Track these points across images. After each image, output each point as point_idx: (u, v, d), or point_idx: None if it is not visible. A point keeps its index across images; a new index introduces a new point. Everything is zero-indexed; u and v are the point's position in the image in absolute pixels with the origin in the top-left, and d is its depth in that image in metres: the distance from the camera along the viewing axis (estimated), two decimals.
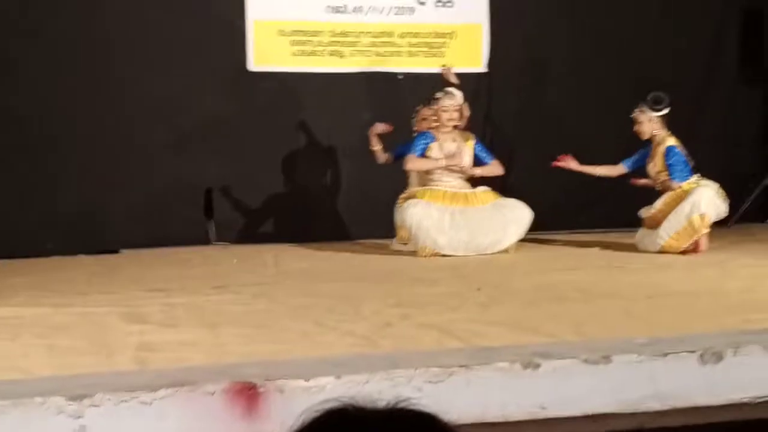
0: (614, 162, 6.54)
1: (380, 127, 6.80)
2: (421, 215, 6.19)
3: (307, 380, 2.44)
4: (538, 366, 2.59)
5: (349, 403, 1.22)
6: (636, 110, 6.20)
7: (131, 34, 7.16)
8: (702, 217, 5.91)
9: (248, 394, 2.36)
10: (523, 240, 6.48)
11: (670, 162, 6.09)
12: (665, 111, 6.16)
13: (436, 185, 6.44)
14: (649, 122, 6.17)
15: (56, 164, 7.03)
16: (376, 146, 6.83)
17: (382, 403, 1.25)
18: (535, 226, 6.54)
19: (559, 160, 6.41)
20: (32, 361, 3.15)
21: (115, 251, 6.94)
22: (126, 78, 7.14)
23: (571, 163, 6.41)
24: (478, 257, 6.13)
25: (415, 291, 4.65)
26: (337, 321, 3.81)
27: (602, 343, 2.92)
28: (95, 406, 2.26)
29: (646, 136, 6.23)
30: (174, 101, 7.25)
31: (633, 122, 6.23)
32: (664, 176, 6.12)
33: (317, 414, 1.21)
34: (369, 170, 7.43)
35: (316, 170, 7.78)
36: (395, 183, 6.86)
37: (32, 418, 2.24)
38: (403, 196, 6.61)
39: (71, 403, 2.25)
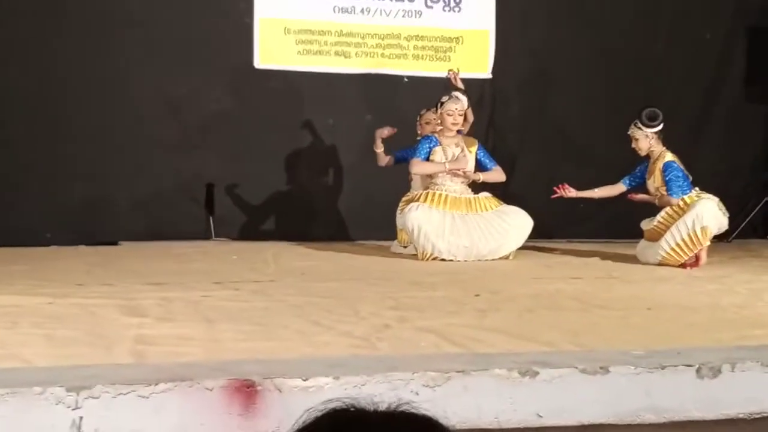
0: (616, 175, 6.53)
1: (386, 131, 6.81)
2: (422, 219, 6.20)
3: (305, 380, 2.45)
4: (535, 374, 2.60)
5: (350, 404, 1.23)
6: (632, 127, 6.21)
7: (140, 30, 7.18)
8: (704, 229, 5.91)
9: (246, 391, 2.37)
10: (523, 247, 6.49)
11: (668, 178, 6.08)
12: (660, 127, 6.16)
13: (438, 189, 6.45)
14: (646, 138, 6.17)
15: (60, 154, 7.04)
16: (380, 148, 6.84)
17: (383, 406, 1.25)
18: (536, 234, 6.55)
19: (557, 191, 6.37)
20: (30, 350, 3.14)
21: (114, 243, 6.95)
22: (133, 72, 7.16)
23: (569, 192, 6.37)
24: (478, 263, 6.14)
25: (413, 294, 4.65)
26: (335, 321, 3.81)
27: (600, 354, 2.92)
28: (94, 397, 2.26)
29: (643, 153, 6.24)
30: (180, 96, 7.27)
31: (629, 139, 6.24)
32: (663, 191, 6.12)
33: (319, 414, 1.21)
34: (371, 171, 7.44)
35: (319, 170, 7.79)
36: (397, 185, 6.87)
37: (30, 408, 2.24)
38: (404, 199, 6.62)
39: (70, 393, 2.25)
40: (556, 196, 6.39)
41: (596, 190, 6.44)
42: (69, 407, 2.26)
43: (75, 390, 2.27)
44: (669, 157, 6.15)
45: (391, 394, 2.48)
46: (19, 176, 6.96)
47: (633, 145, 6.23)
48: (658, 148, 6.19)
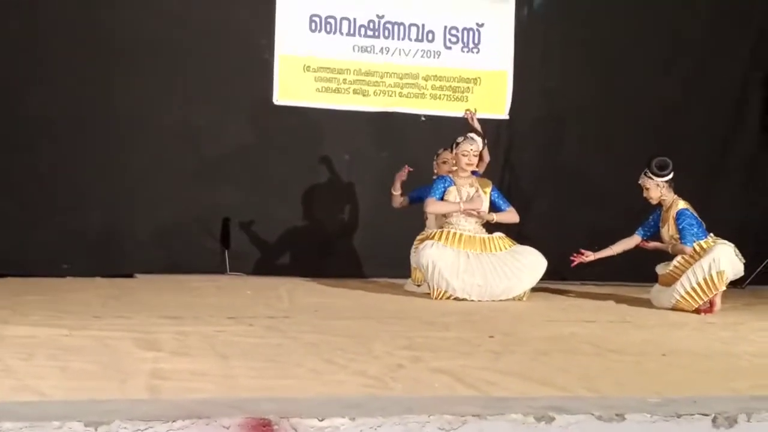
0: (630, 218, 6.53)
1: (404, 173, 6.86)
2: (437, 257, 6.21)
3: (321, 420, 2.45)
4: (551, 420, 2.59)
5: None
6: (642, 176, 6.22)
7: (162, 60, 7.26)
8: (720, 274, 5.91)
9: (263, 430, 2.37)
10: (536, 288, 6.49)
11: (682, 226, 6.08)
12: (670, 176, 6.17)
13: (453, 228, 6.46)
14: (657, 187, 6.18)
15: (78, 185, 7.10)
16: (398, 191, 6.90)
17: None
18: (549, 276, 6.55)
19: (574, 259, 6.34)
20: (46, 382, 3.15)
21: (130, 275, 6.98)
22: (154, 103, 7.24)
23: (588, 256, 6.34)
24: (491, 303, 6.14)
25: (427, 334, 4.65)
26: (348, 360, 3.81)
27: (616, 401, 2.91)
28: None
29: (654, 201, 6.24)
30: (199, 130, 7.35)
31: (641, 189, 6.24)
32: (677, 239, 6.12)
33: None
34: (386, 209, 7.47)
35: (334, 207, 7.83)
36: (411, 224, 6.90)
37: None
38: (419, 237, 6.64)
39: (88, 428, 2.26)
40: (575, 264, 6.35)
41: (613, 246, 6.38)
42: None
43: (93, 425, 2.28)
44: (681, 204, 6.15)
45: None
46: (38, 206, 7.02)
47: (644, 195, 6.23)
48: (669, 196, 6.19)
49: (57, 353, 3.72)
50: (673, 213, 6.15)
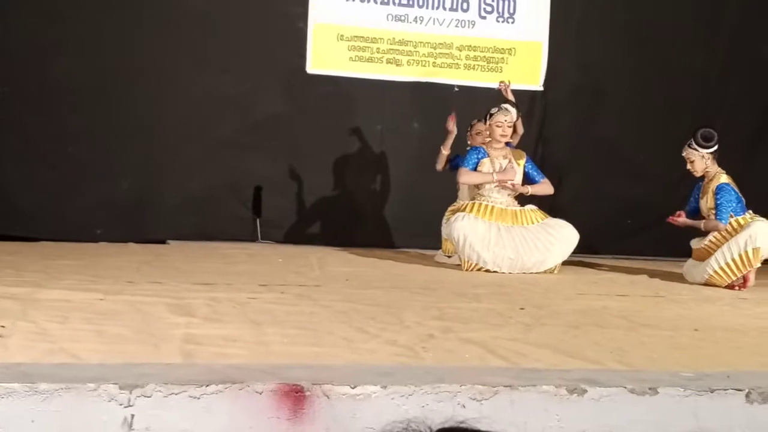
0: (665, 191, 6.45)
1: (452, 123, 6.72)
2: (468, 229, 6.19)
3: (353, 387, 2.46)
4: (584, 392, 2.59)
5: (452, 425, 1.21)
6: (686, 148, 6.13)
7: (197, 30, 7.27)
8: (756, 251, 5.84)
9: (295, 396, 2.39)
10: (568, 262, 6.46)
11: (719, 201, 5.98)
12: (715, 147, 6.08)
13: (485, 200, 6.43)
14: (701, 159, 6.09)
15: (112, 151, 7.14)
16: (447, 150, 6.80)
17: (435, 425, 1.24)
18: (581, 249, 6.51)
19: (672, 219, 6.20)
20: (81, 345, 3.19)
21: (162, 241, 7.03)
22: (187, 71, 7.25)
23: (680, 219, 6.21)
24: (522, 276, 6.12)
25: (457, 305, 4.64)
26: (379, 329, 3.81)
27: (649, 374, 2.90)
28: (146, 396, 2.29)
29: (699, 173, 6.14)
30: (233, 99, 7.35)
31: (684, 161, 6.16)
32: (712, 214, 6.04)
33: None
34: (417, 179, 7.46)
35: (366, 176, 7.82)
36: (443, 194, 6.87)
37: (83, 404, 2.28)
38: (451, 208, 6.62)
39: (123, 391, 2.29)
40: (669, 219, 6.22)
41: (702, 222, 6.15)
42: (121, 404, 2.29)
43: (128, 388, 2.30)
44: (724, 179, 6.06)
45: (437, 405, 2.48)
46: (74, 171, 7.07)
47: (688, 167, 6.13)
48: (713, 168, 6.10)
49: (91, 317, 3.76)
50: (713, 186, 6.07)
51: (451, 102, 7.74)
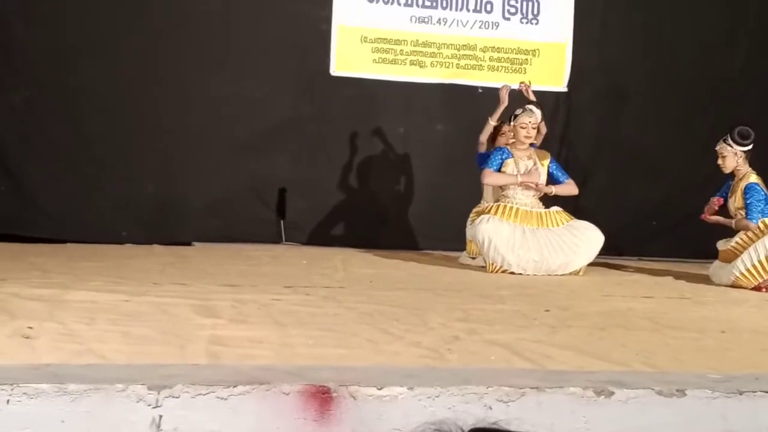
0: (688, 193, 6.38)
1: (505, 93, 6.67)
2: (493, 231, 6.17)
3: (380, 389, 2.46)
4: (611, 394, 2.57)
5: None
6: (720, 143, 6.08)
7: (219, 32, 7.30)
8: None
9: (322, 397, 2.39)
10: (593, 263, 6.43)
11: (749, 201, 5.95)
12: (750, 147, 6.04)
13: (510, 202, 6.41)
14: (734, 156, 6.04)
15: (137, 154, 7.18)
16: (495, 121, 6.71)
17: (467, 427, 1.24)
18: (606, 250, 6.48)
19: (705, 214, 6.17)
20: (108, 346, 3.21)
21: (187, 243, 7.06)
22: (211, 73, 7.29)
23: (712, 217, 6.17)
24: (547, 278, 6.10)
25: (482, 307, 4.63)
26: (404, 331, 3.81)
27: (676, 376, 2.88)
28: (174, 397, 2.30)
29: (728, 170, 6.10)
30: (257, 101, 7.37)
31: (716, 155, 6.11)
32: (742, 214, 6.00)
33: None
34: (441, 181, 7.46)
35: (389, 178, 7.82)
36: (468, 196, 6.86)
37: (112, 404, 2.29)
38: (475, 210, 6.61)
39: (151, 392, 2.30)
40: (703, 217, 6.19)
41: (733, 221, 6.10)
42: (149, 405, 2.30)
43: (156, 389, 2.31)
44: (753, 178, 6.02)
45: (464, 407, 2.48)
46: (98, 174, 7.12)
47: (719, 162, 6.09)
48: (744, 167, 6.06)
49: (118, 318, 3.78)
50: (742, 185, 6.02)
51: (475, 103, 7.74)
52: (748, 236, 5.96)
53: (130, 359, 2.99)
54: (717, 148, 6.09)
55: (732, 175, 6.12)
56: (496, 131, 6.81)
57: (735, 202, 6.06)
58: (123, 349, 3.20)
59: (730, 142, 6.02)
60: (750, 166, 6.08)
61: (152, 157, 7.22)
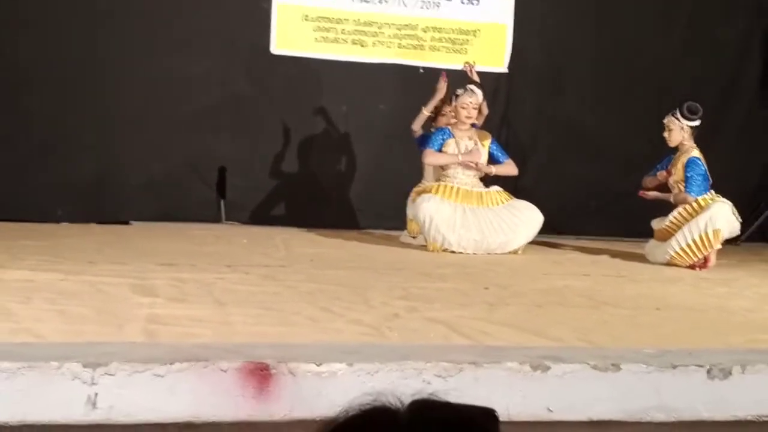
0: (627, 172, 6.48)
1: (444, 84, 6.67)
2: (434, 211, 6.20)
3: (318, 365, 2.46)
4: (547, 369, 2.61)
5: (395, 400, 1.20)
6: (669, 116, 6.16)
7: (159, 10, 7.19)
8: (716, 232, 5.91)
9: (260, 374, 2.39)
10: (532, 242, 6.50)
11: (690, 174, 6.05)
12: (698, 122, 6.13)
13: (450, 182, 6.45)
14: (680, 131, 6.13)
15: (74, 132, 7.06)
16: (429, 112, 6.71)
17: (406, 398, 1.24)
18: (545, 230, 6.55)
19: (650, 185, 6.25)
20: (44, 325, 3.17)
21: (125, 222, 6.98)
22: (148, 50, 7.17)
23: (650, 193, 6.25)
24: (487, 256, 6.15)
25: (422, 285, 4.66)
26: (345, 309, 3.82)
27: (612, 351, 2.94)
28: (110, 374, 2.28)
29: (674, 144, 6.19)
30: (195, 79, 7.28)
31: (663, 128, 6.19)
32: (681, 187, 6.09)
33: (367, 410, 1.19)
34: (382, 161, 7.46)
35: (331, 157, 7.80)
36: (409, 175, 6.87)
37: (47, 382, 2.26)
38: (416, 189, 6.63)
39: (86, 370, 2.27)
40: (641, 193, 6.26)
41: (671, 195, 6.22)
42: (85, 383, 2.28)
43: (91, 366, 2.29)
44: (696, 153, 6.12)
45: (403, 382, 2.49)
46: (33, 153, 6.98)
47: (665, 134, 6.16)
48: (689, 143, 6.15)
49: (54, 297, 3.74)
50: (684, 159, 6.11)
51: (417, 83, 7.75)
52: (682, 215, 6.07)
53: (66, 338, 2.95)
54: (665, 120, 6.17)
55: (675, 149, 6.21)
56: (437, 110, 6.83)
57: (675, 175, 6.15)
58: (60, 328, 3.17)
59: (678, 115, 6.11)
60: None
61: (90, 136, 7.10)
